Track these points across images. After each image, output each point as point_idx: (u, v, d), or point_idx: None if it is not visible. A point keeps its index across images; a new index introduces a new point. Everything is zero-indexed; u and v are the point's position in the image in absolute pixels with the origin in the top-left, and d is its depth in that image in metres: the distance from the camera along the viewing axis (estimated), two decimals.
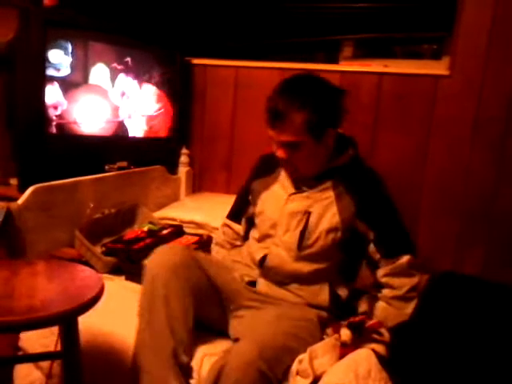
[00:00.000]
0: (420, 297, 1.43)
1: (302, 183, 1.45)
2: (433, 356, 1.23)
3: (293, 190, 1.45)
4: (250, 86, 2.39)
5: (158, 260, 1.33)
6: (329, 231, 1.38)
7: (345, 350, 1.27)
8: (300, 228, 1.39)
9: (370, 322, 1.35)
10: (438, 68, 2.14)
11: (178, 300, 1.27)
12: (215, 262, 1.50)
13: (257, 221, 1.53)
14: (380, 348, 1.29)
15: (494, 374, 1.18)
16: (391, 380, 1.18)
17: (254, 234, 1.55)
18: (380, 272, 1.41)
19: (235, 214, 1.65)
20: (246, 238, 1.61)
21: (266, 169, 1.56)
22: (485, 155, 2.03)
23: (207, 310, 1.38)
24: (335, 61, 2.40)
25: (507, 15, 1.91)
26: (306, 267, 1.40)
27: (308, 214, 1.40)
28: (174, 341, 1.23)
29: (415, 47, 2.36)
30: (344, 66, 2.30)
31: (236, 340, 1.32)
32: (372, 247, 1.40)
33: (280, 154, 1.36)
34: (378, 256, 1.40)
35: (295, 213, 1.41)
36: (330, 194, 1.40)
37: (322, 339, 1.35)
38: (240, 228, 1.62)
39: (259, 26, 2.50)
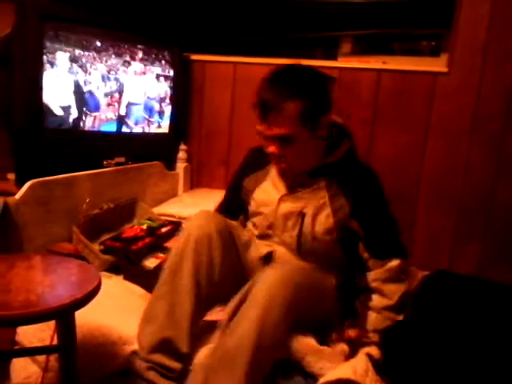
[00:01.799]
0: (413, 296, 1.43)
1: (294, 182, 1.40)
2: (426, 356, 1.23)
3: (285, 191, 1.41)
4: (248, 82, 2.38)
5: (195, 222, 1.32)
6: (324, 233, 1.37)
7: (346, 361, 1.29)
8: (296, 231, 1.38)
9: (355, 331, 1.38)
10: (436, 65, 2.14)
11: (207, 263, 1.27)
12: (243, 240, 1.47)
13: (254, 220, 1.50)
14: (374, 351, 1.29)
15: (488, 373, 1.18)
16: (386, 383, 1.19)
17: (253, 230, 1.52)
18: (370, 276, 1.40)
19: (230, 210, 1.59)
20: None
21: (256, 164, 1.50)
22: (483, 152, 2.03)
23: (223, 282, 1.34)
24: (334, 57, 2.40)
25: (505, 12, 1.91)
26: (311, 263, 1.40)
27: (302, 215, 1.37)
28: (193, 303, 1.24)
29: (414, 44, 2.35)
30: (342, 63, 2.30)
31: None
32: (361, 246, 1.39)
33: (272, 149, 1.29)
34: (366, 255, 1.39)
35: (289, 214, 1.39)
36: (324, 194, 1.36)
37: (335, 306, 1.39)
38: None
39: (258, 22, 2.49)
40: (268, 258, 1.43)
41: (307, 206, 1.37)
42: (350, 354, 1.30)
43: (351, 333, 1.38)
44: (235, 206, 1.57)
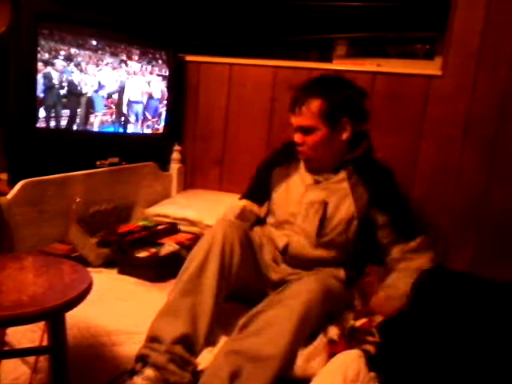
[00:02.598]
0: (410, 291, 1.44)
1: (319, 175, 1.56)
2: (421, 351, 1.23)
3: (310, 182, 1.57)
4: (243, 84, 2.39)
5: (220, 229, 1.41)
6: (345, 221, 1.50)
7: (333, 348, 1.27)
8: (318, 217, 1.51)
9: (362, 321, 1.36)
10: (430, 68, 2.14)
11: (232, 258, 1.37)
12: (257, 243, 1.58)
13: (273, 207, 1.63)
14: (370, 347, 1.29)
15: (482, 369, 1.18)
16: (379, 378, 1.18)
17: (270, 219, 1.66)
18: (394, 250, 1.50)
19: (257, 196, 1.71)
20: (264, 221, 1.70)
21: (287, 157, 1.65)
22: (476, 155, 2.04)
23: (239, 284, 1.43)
24: (329, 59, 2.40)
25: (499, 16, 1.92)
26: (325, 253, 1.52)
27: (325, 204, 1.51)
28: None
29: (408, 47, 2.36)
30: (337, 65, 2.31)
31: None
32: (381, 232, 1.51)
33: (296, 137, 1.50)
34: (388, 240, 1.51)
35: (313, 202, 1.52)
36: (345, 185, 1.52)
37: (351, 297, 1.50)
38: (262, 210, 1.69)
39: (253, 24, 2.49)
40: (285, 251, 1.55)
41: (330, 196, 1.52)
42: (346, 346, 1.28)
43: (356, 322, 1.36)
44: (262, 193, 1.69)
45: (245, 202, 1.71)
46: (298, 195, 1.56)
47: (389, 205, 1.51)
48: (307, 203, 1.53)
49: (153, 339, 1.26)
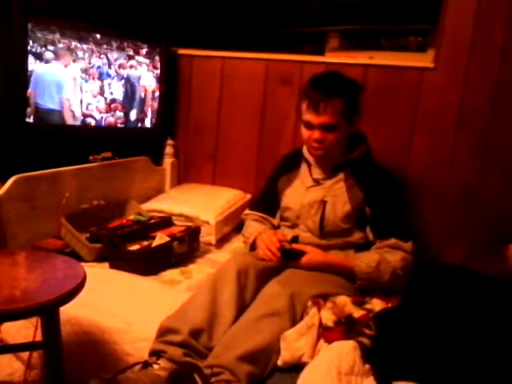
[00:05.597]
0: (403, 285, 1.45)
1: (318, 176, 1.68)
2: (416, 344, 1.24)
3: (310, 184, 1.68)
4: (236, 77, 2.38)
5: (235, 258, 1.52)
6: (343, 218, 1.60)
7: (328, 333, 1.27)
8: (318, 215, 1.62)
9: (361, 313, 1.35)
10: (423, 60, 2.14)
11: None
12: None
13: (285, 214, 1.74)
14: (366, 340, 1.28)
15: (476, 361, 1.19)
16: (373, 370, 1.18)
17: (283, 223, 1.78)
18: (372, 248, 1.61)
19: (269, 208, 1.83)
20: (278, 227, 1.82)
21: (288, 167, 1.79)
22: (469, 148, 2.05)
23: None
24: (321, 52, 2.40)
25: (491, 8, 1.92)
26: (331, 241, 1.63)
27: (323, 203, 1.62)
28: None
29: (401, 39, 2.36)
30: (330, 58, 2.30)
31: None
32: (368, 228, 1.61)
33: (316, 135, 1.56)
34: (371, 236, 1.60)
35: (313, 202, 1.64)
36: (342, 185, 1.63)
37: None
38: (275, 221, 1.82)
39: (246, 17, 2.48)
40: (294, 240, 1.66)
41: (328, 195, 1.63)
42: (342, 334, 1.27)
43: (355, 314, 1.35)
44: (271, 204, 1.82)
45: (263, 216, 1.83)
46: (299, 197, 1.68)
47: (378, 205, 1.60)
48: (308, 203, 1.64)
49: (168, 331, 1.26)
